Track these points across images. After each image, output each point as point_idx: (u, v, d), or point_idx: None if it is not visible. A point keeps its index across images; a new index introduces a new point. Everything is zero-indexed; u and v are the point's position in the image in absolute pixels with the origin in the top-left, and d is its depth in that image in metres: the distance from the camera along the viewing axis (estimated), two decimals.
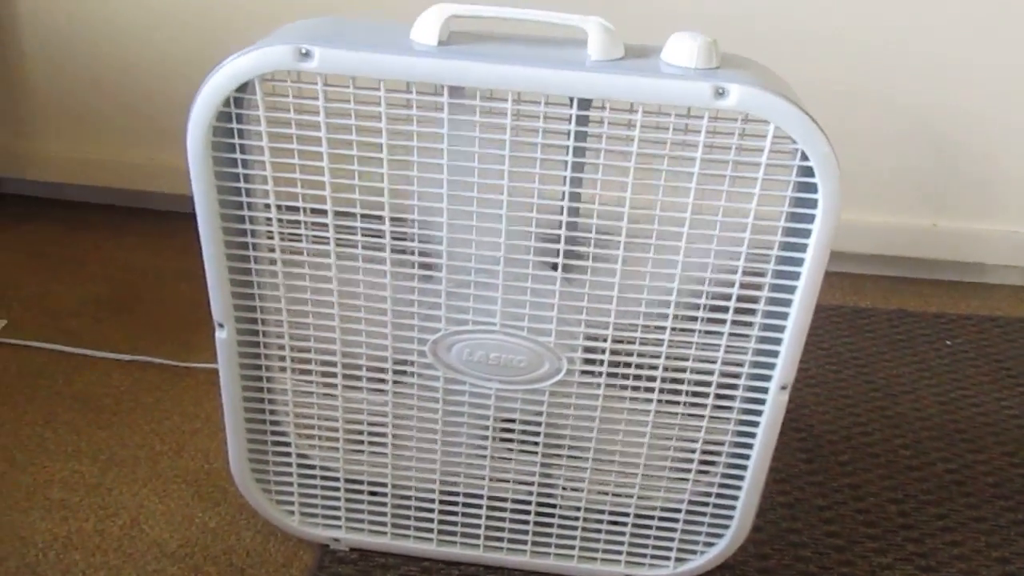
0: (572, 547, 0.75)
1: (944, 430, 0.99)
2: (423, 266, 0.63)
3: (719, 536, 0.73)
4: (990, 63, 1.19)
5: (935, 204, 1.29)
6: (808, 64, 1.15)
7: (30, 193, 1.44)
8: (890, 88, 1.21)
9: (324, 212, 0.61)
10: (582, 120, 0.57)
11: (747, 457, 0.68)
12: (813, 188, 0.56)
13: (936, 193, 1.28)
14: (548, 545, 0.75)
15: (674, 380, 0.66)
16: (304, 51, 0.55)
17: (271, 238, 0.63)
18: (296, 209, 0.62)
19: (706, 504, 0.71)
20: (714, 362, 0.64)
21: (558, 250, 0.61)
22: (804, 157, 0.56)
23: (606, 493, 0.72)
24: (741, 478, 0.69)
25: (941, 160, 1.26)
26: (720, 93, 0.54)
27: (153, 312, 1.15)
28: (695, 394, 0.66)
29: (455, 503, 0.74)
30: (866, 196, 1.27)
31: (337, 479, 0.74)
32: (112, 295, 1.18)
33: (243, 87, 0.57)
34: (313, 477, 0.74)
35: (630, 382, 0.66)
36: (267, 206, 0.62)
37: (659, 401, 0.66)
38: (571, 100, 0.56)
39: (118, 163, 1.37)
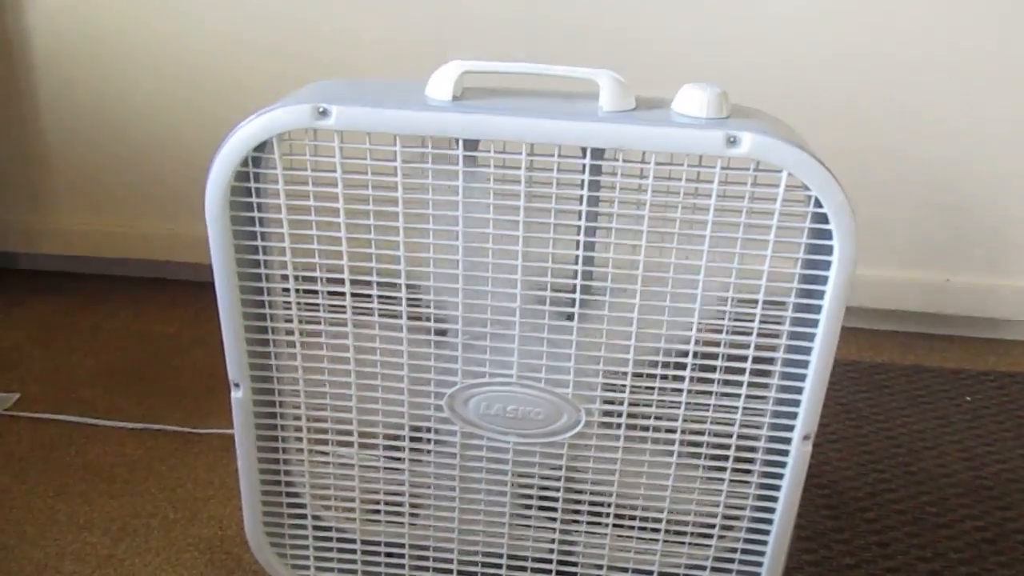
0: None
1: (970, 487, 0.97)
2: (438, 328, 0.63)
3: None
4: (1002, 118, 1.20)
5: (948, 259, 1.29)
6: (819, 121, 1.16)
7: (45, 267, 1.46)
8: (902, 144, 1.23)
9: (340, 268, 0.62)
10: (595, 170, 0.57)
11: (772, 511, 0.66)
12: (828, 235, 0.57)
13: (949, 248, 1.28)
14: None
15: (694, 432, 0.65)
16: (321, 109, 0.56)
17: (288, 296, 0.63)
18: (313, 267, 0.62)
19: (731, 561, 0.69)
20: (735, 412, 0.63)
21: (573, 300, 0.61)
22: (818, 204, 0.56)
23: (628, 551, 0.70)
24: (767, 533, 0.67)
25: (953, 215, 1.26)
26: (732, 141, 0.55)
27: (166, 380, 1.14)
28: (716, 446, 0.65)
29: (475, 563, 0.72)
30: (879, 251, 1.28)
31: (354, 541, 0.73)
32: (125, 364, 1.18)
33: (261, 147, 0.59)
34: (329, 540, 0.73)
35: (650, 434, 0.65)
36: (284, 264, 0.62)
37: (679, 454, 0.65)
38: (584, 151, 0.57)
39: (131, 235, 1.39)
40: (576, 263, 0.60)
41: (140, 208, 1.38)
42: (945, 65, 1.18)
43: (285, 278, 0.63)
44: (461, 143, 0.58)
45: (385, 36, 1.24)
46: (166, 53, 1.28)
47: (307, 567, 0.74)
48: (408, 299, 0.62)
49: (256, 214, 0.61)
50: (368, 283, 0.62)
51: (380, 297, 0.62)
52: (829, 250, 0.57)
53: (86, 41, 1.29)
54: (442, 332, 0.64)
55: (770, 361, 0.62)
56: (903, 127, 1.22)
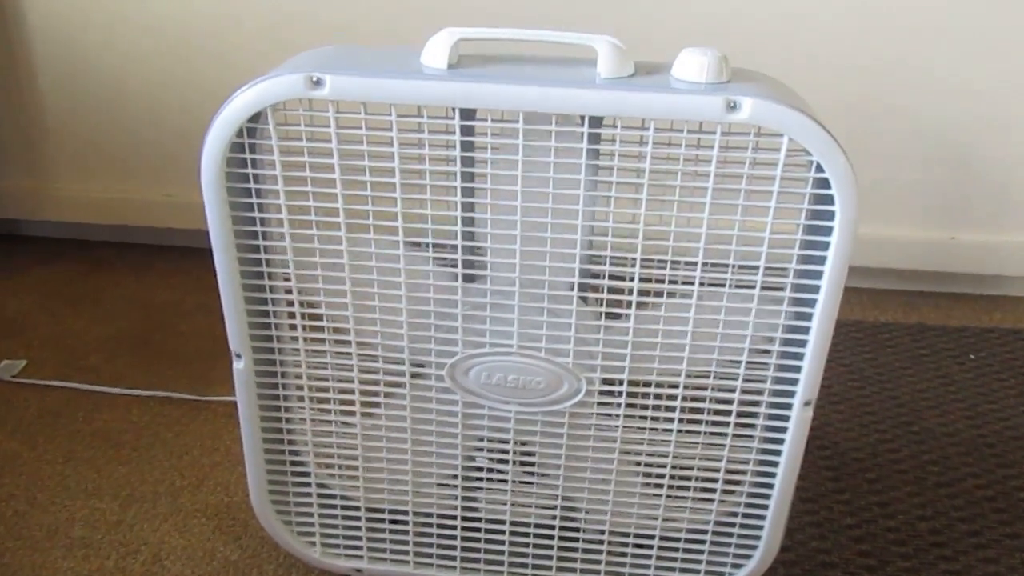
0: (598, 572, 0.73)
1: (972, 445, 0.98)
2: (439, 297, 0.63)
3: (747, 557, 0.71)
4: (1006, 74, 1.19)
5: (953, 217, 1.28)
6: (822, 80, 1.15)
7: (47, 234, 1.45)
8: (905, 102, 1.21)
9: (339, 240, 0.61)
10: (594, 139, 0.57)
11: (773, 476, 0.67)
12: (830, 200, 0.56)
13: (953, 206, 1.27)
14: (573, 571, 0.74)
15: (695, 399, 0.65)
16: (315, 79, 0.56)
17: (287, 268, 0.63)
18: (311, 239, 0.62)
19: (733, 525, 0.70)
20: (735, 379, 0.63)
21: (574, 270, 0.60)
22: (819, 169, 0.55)
23: (630, 516, 0.71)
24: (768, 497, 0.68)
25: (957, 173, 1.25)
26: (732, 106, 0.54)
27: (171, 347, 1.15)
28: (717, 412, 0.65)
29: (478, 529, 0.73)
30: (883, 210, 1.27)
31: (358, 508, 0.74)
32: (130, 332, 1.18)
33: (255, 117, 0.58)
34: (334, 507, 0.74)
35: (651, 401, 0.65)
36: (282, 235, 0.62)
37: (680, 420, 0.65)
38: (582, 119, 0.56)
39: (133, 201, 1.38)
40: (577, 232, 0.59)
41: (140, 175, 1.37)
42: (950, 21, 1.16)
43: (284, 250, 0.63)
44: (457, 112, 0.57)
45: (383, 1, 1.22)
46: (165, 17, 1.26)
47: (312, 534, 0.75)
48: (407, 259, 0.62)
49: (252, 185, 0.60)
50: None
51: (379, 268, 0.62)
52: (831, 215, 0.56)
53: (83, 5, 1.27)
54: (445, 296, 0.63)
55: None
56: (908, 85, 1.20)
